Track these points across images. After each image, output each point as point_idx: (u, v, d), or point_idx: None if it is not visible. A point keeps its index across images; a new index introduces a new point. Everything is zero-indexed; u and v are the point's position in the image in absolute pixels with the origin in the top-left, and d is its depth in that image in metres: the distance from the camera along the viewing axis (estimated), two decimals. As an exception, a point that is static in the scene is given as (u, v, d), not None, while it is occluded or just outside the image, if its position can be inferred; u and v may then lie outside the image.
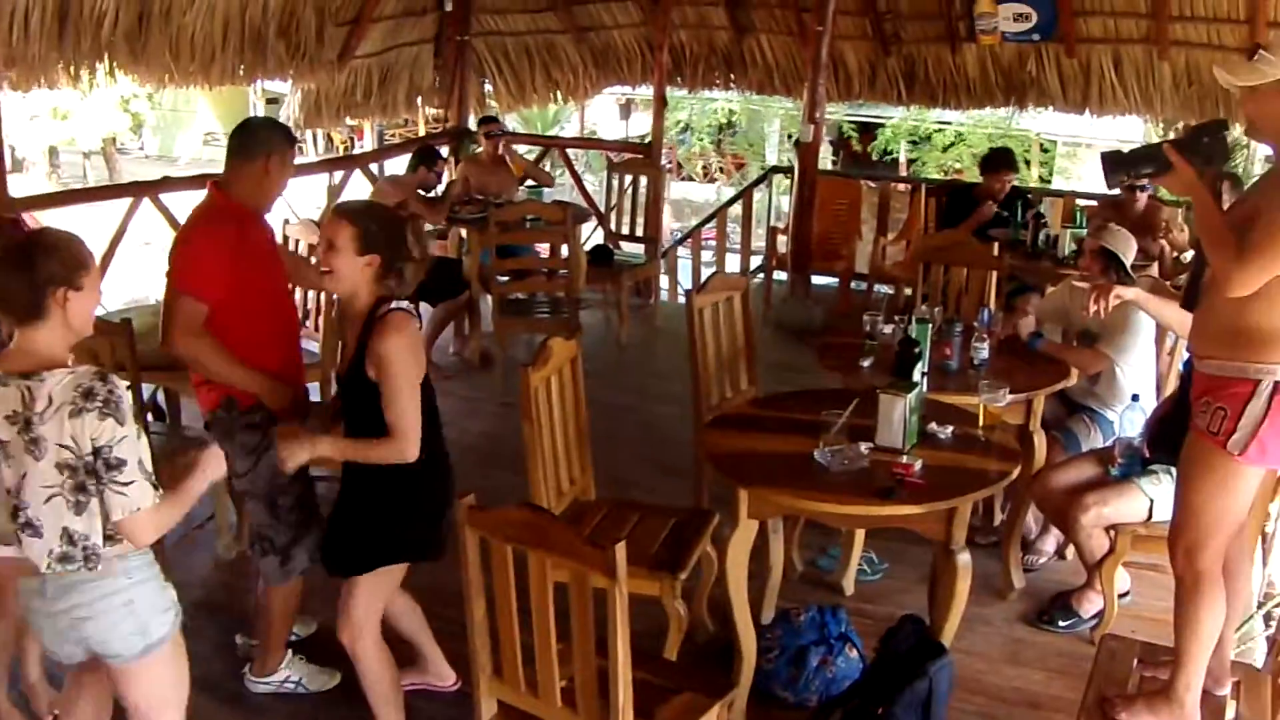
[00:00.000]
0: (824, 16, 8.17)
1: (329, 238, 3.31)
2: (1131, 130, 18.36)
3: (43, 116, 20.82)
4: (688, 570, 3.80)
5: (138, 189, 7.34)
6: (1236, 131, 6.83)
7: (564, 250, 7.09)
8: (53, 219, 5.96)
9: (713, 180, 25.39)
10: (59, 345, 2.67)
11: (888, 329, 4.74)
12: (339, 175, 8.87)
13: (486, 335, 7.45)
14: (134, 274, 9.10)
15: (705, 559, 4.03)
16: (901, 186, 9.99)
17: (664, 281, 9.54)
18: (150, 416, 5.55)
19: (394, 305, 3.30)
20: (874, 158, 22.54)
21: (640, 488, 5.34)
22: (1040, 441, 4.56)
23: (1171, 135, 18.22)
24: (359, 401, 3.35)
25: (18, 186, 4.06)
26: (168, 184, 7.47)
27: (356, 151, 21.42)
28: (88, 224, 4.73)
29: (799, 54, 9.19)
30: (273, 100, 27.18)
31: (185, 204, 6.33)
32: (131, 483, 2.62)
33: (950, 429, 3.81)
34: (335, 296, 3.94)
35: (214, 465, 2.88)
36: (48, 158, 24.46)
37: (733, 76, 9.98)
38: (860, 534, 4.60)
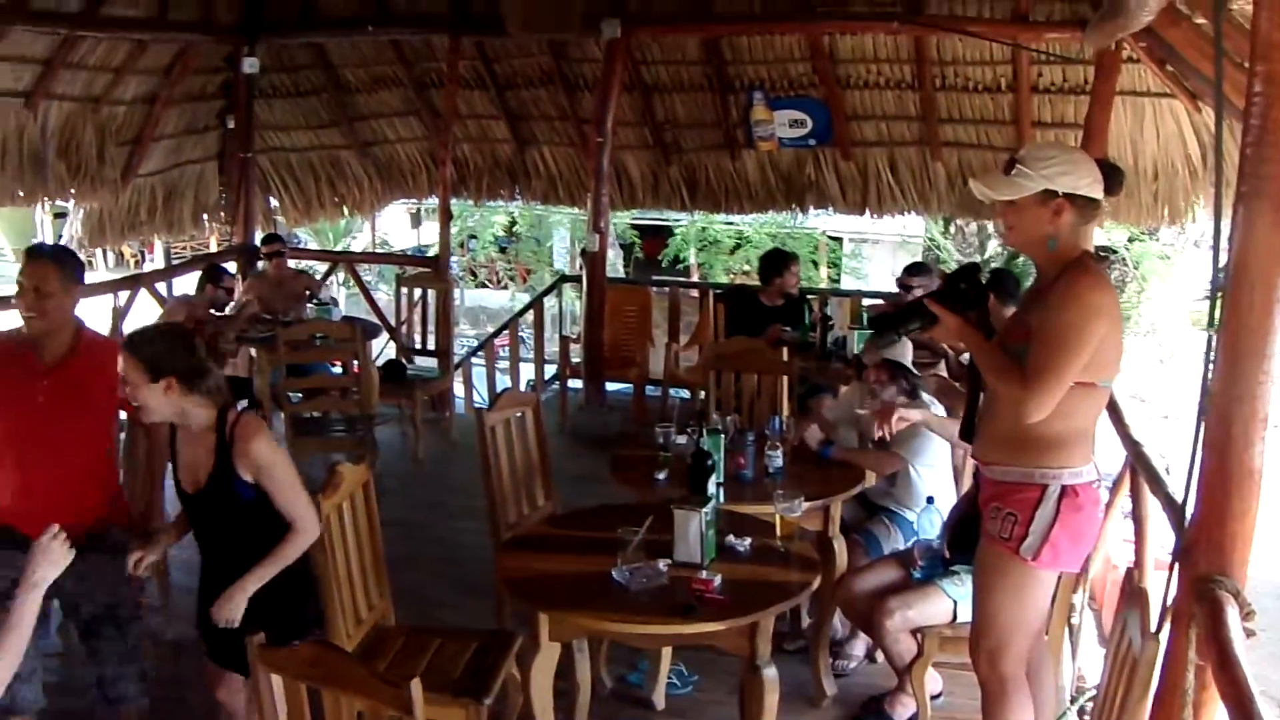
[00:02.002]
0: (604, 128, 8.33)
1: (124, 376, 3.31)
2: (914, 225, 19.27)
3: None
4: (493, 695, 3.70)
5: None
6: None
7: (355, 367, 6.95)
8: None
9: (505, 287, 25.44)
10: None
11: (681, 440, 4.75)
12: (124, 296, 8.52)
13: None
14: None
15: (511, 681, 3.93)
16: (692, 292, 10.15)
17: (460, 392, 9.43)
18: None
19: (240, 409, 3.36)
20: (663, 264, 22.97)
21: (443, 607, 5.24)
22: (840, 546, 4.61)
23: (950, 238, 19.36)
24: (223, 512, 3.40)
25: None
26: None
27: (146, 268, 20.79)
28: None
29: (582, 164, 9.34)
30: (60, 214, 26.09)
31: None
32: None
33: (749, 541, 3.83)
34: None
35: (30, 600, 2.66)
36: None
37: (517, 187, 10.10)
38: (667, 649, 4.56)
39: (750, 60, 8.50)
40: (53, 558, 2.69)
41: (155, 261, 24.05)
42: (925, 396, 4.80)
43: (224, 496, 3.37)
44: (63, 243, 8.80)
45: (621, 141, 8.90)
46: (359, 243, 24.21)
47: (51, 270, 3.71)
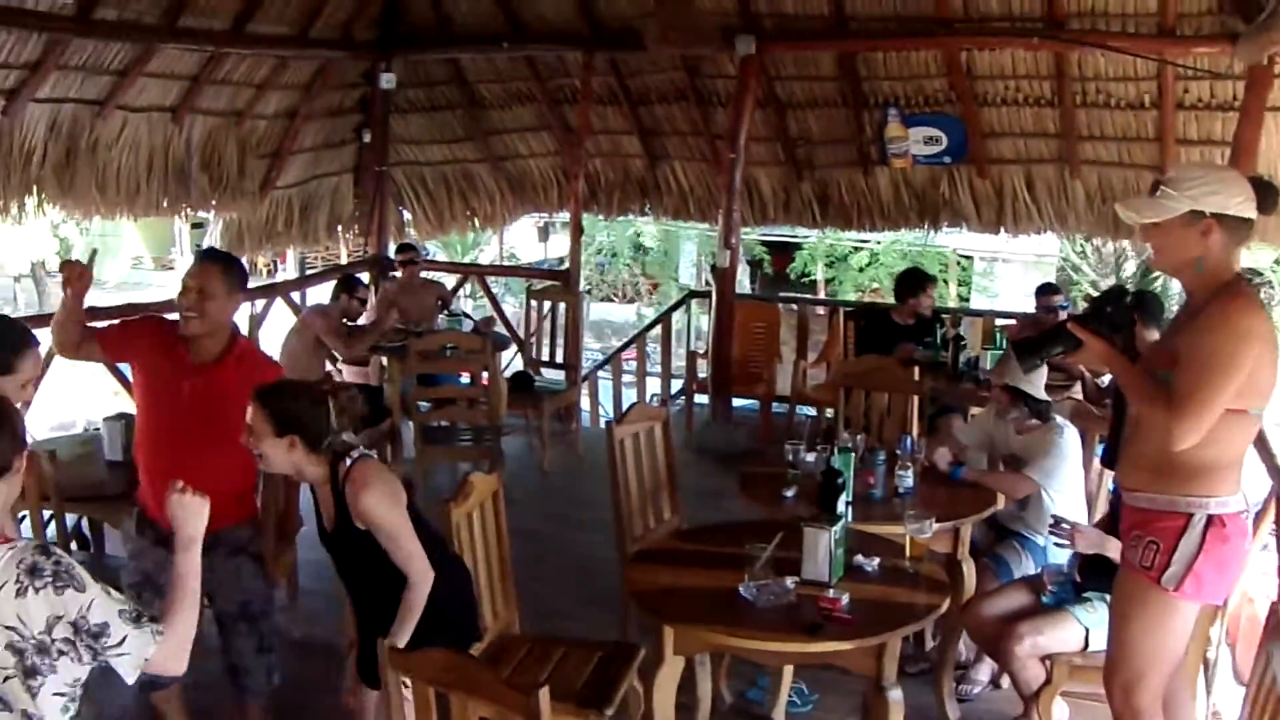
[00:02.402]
0: (737, 144, 8.31)
1: (250, 425, 3.37)
2: (1048, 244, 18.83)
3: (-29, 243, 20.66)
4: (614, 706, 3.72)
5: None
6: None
7: (485, 378, 7.05)
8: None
9: (632, 301, 25.58)
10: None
11: (810, 458, 4.71)
12: (260, 304, 8.81)
13: (408, 463, 7.35)
14: (61, 401, 8.96)
15: (633, 694, 3.93)
16: (820, 309, 10.07)
17: (585, 405, 9.50)
18: (75, 545, 5.49)
19: (350, 460, 3.37)
20: (791, 279, 22.86)
21: (566, 618, 5.26)
22: (969, 569, 4.54)
23: (1086, 258, 18.90)
24: (354, 553, 3.45)
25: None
26: (93, 314, 7.39)
27: (280, 278, 21.41)
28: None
29: (713, 180, 9.33)
30: (198, 225, 27.12)
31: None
32: (124, 639, 2.41)
33: (877, 561, 3.78)
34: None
35: (190, 564, 2.68)
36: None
37: (648, 203, 10.10)
38: (789, 667, 4.52)
39: (885, 76, 8.40)
40: (191, 509, 2.72)
41: (287, 271, 24.79)
42: (1058, 419, 4.70)
43: (350, 541, 3.43)
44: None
45: (753, 157, 8.86)
46: (486, 256, 24.61)
47: (216, 273, 3.84)
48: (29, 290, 24.70)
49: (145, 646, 2.44)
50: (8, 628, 2.34)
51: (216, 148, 8.66)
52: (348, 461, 3.37)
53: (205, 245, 9.55)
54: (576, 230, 9.31)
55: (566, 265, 9.22)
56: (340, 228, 10.44)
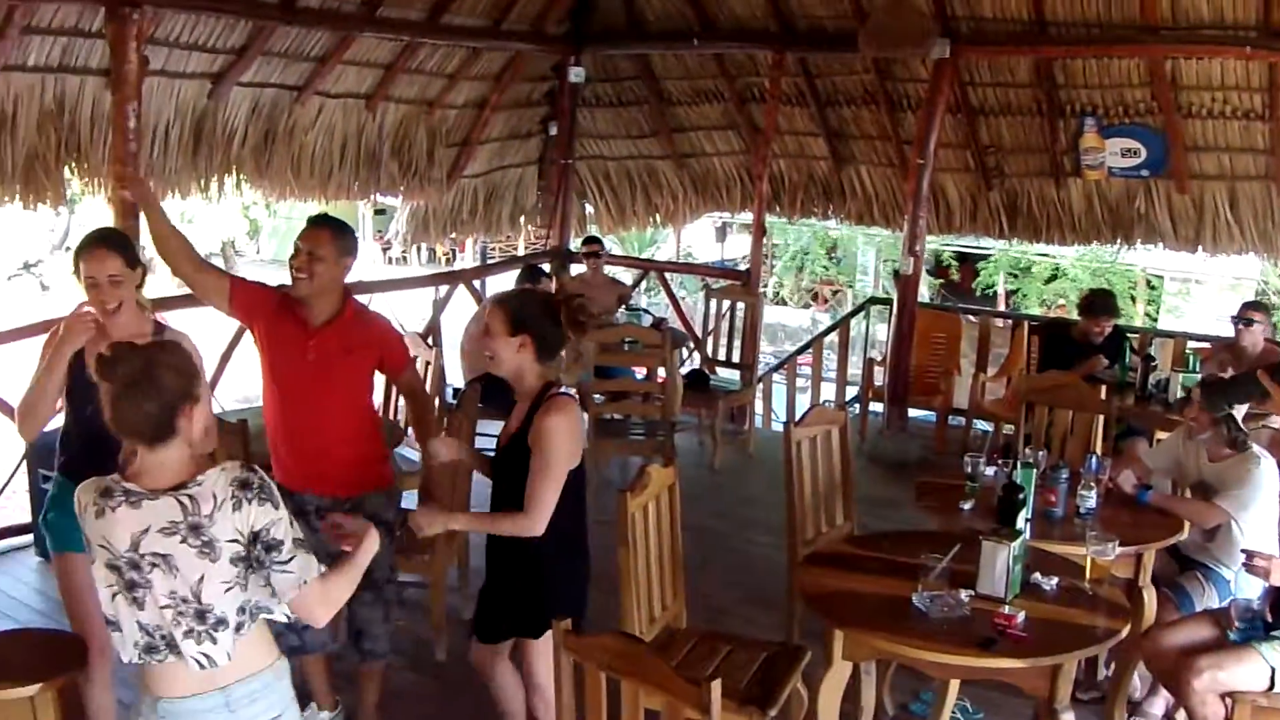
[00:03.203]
0: (926, 150, 8.20)
1: (487, 324, 3.56)
2: (1248, 267, 17.94)
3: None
4: (777, 707, 3.72)
5: None
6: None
7: (661, 374, 7.11)
8: (180, 318, 6.17)
9: (807, 306, 25.41)
10: (187, 458, 2.66)
11: (990, 471, 4.63)
12: (444, 289, 9.08)
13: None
14: (245, 375, 9.36)
15: (795, 696, 3.93)
16: (1000, 322, 9.85)
17: (759, 407, 9.50)
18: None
19: (562, 390, 3.55)
20: (976, 293, 22.36)
21: (730, 616, 5.28)
22: (1150, 598, 4.39)
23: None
24: (511, 471, 3.56)
25: (150, 287, 4.39)
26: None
27: (458, 266, 21.97)
28: (205, 324, 4.91)
29: (899, 185, 9.21)
30: (380, 211, 28.09)
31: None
32: (292, 558, 2.63)
33: (1055, 580, 3.70)
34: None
35: (372, 541, 2.86)
36: (171, 259, 25.48)
37: (831, 206, 10.00)
38: (955, 681, 4.45)
39: (1084, 84, 8.16)
40: (368, 546, 2.86)
41: (466, 260, 25.36)
42: (1256, 448, 4.51)
43: (515, 455, 3.55)
44: (388, 237, 9.41)
45: (942, 164, 8.70)
46: (663, 253, 24.75)
47: (326, 237, 3.96)
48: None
49: (307, 570, 2.65)
50: (231, 541, 2.58)
51: (407, 135, 8.95)
52: (559, 389, 3.54)
53: (390, 230, 9.85)
54: (759, 231, 9.31)
55: (747, 265, 9.21)
56: (523, 218, 10.67)
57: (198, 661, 2.60)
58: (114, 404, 2.57)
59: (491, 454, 3.87)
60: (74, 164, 6.74)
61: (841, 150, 9.57)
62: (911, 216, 8.34)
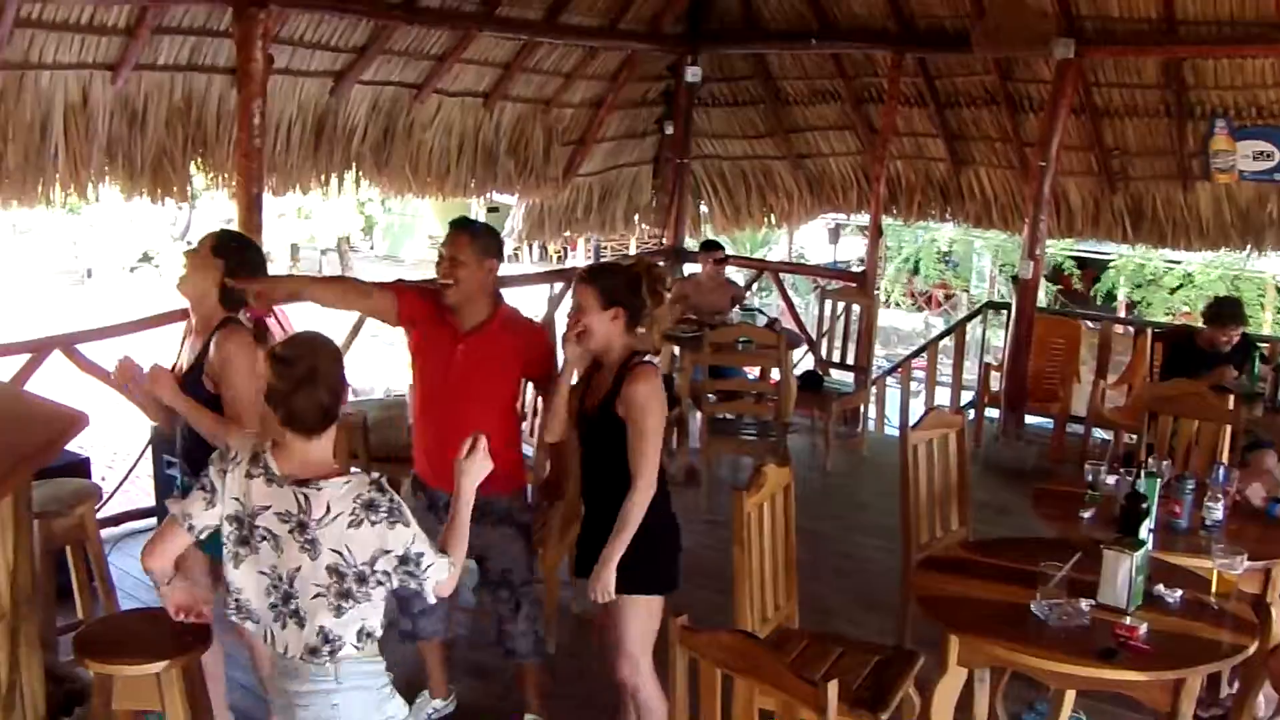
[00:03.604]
0: (1048, 152, 8.03)
1: (578, 301, 3.63)
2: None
3: (289, 215, 22.29)
4: (889, 712, 3.69)
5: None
6: None
7: (774, 374, 7.09)
8: (297, 314, 6.34)
9: (920, 309, 25.07)
10: (330, 450, 2.82)
11: (1111, 480, 4.55)
12: (559, 286, 9.18)
13: (693, 452, 7.49)
14: (364, 367, 9.57)
15: (906, 702, 3.90)
16: (1122, 328, 9.62)
17: (870, 411, 9.41)
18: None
19: (646, 359, 3.61)
20: (1098, 301, 21.79)
21: (839, 619, 5.26)
22: (1279, 615, 4.26)
23: None
24: (601, 435, 3.66)
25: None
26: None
27: (569, 264, 22.14)
28: (323, 319, 5.01)
29: (1019, 188, 9.05)
30: (493, 209, 28.41)
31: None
32: (432, 564, 2.80)
33: (1179, 593, 3.62)
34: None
35: (468, 492, 3.00)
36: (290, 253, 26.10)
37: (949, 208, 9.86)
38: (1071, 693, 4.37)
39: (1215, 85, 7.93)
40: (469, 469, 3.00)
41: (577, 258, 25.51)
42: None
43: (602, 422, 3.63)
44: (502, 235, 9.48)
45: (1064, 166, 8.53)
46: (775, 254, 24.61)
47: (465, 241, 3.99)
48: (333, 264, 26.28)
49: (442, 570, 2.84)
50: (333, 550, 2.73)
51: (524, 133, 9.04)
52: (643, 358, 3.61)
53: (506, 228, 9.95)
54: (875, 233, 9.23)
55: (862, 267, 9.13)
56: (637, 217, 10.70)
57: (267, 633, 2.82)
58: (288, 397, 2.73)
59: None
60: (199, 160, 6.92)
61: (960, 152, 9.44)
62: (1032, 220, 8.18)
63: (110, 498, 6.28)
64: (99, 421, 3.86)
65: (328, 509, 2.71)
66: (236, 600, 2.84)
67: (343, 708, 2.84)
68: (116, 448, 8.88)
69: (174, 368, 3.89)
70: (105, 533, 5.38)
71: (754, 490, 3.80)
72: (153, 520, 6.37)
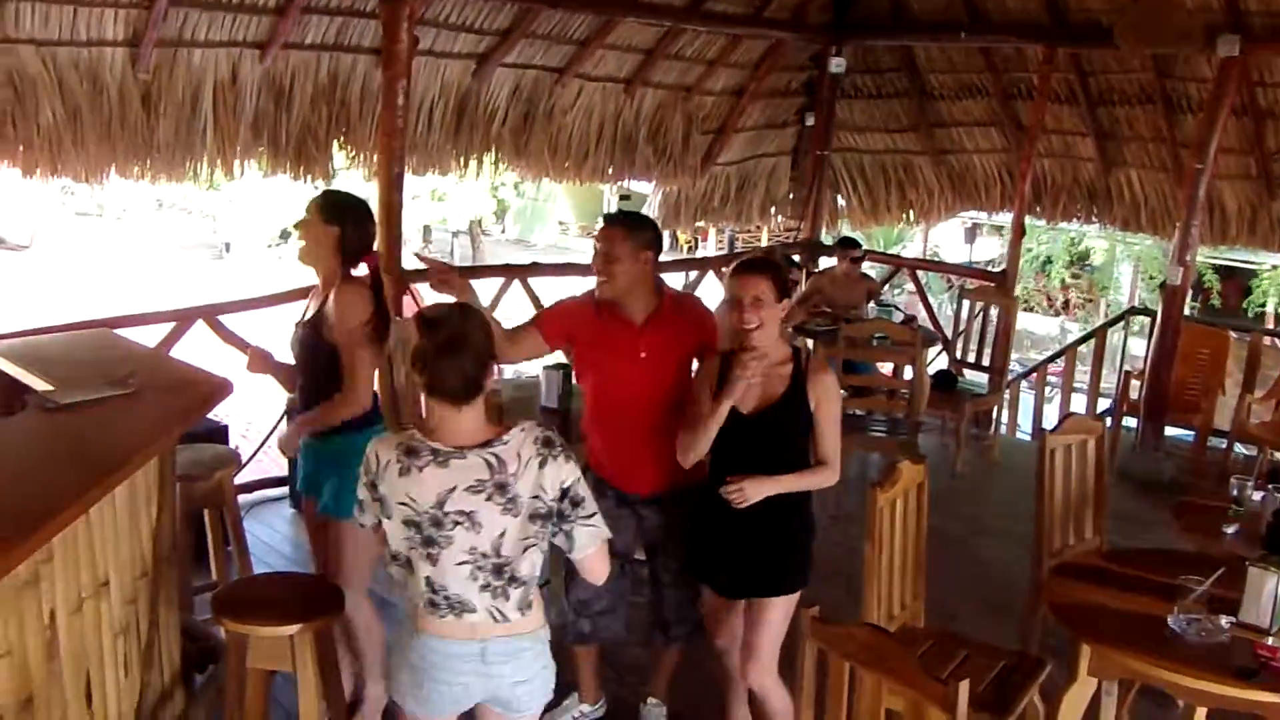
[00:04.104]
0: (1205, 154, 7.75)
1: (756, 296, 3.57)
2: None
3: (422, 197, 22.63)
4: (1013, 717, 3.62)
5: (510, 270, 7.99)
6: None
7: (908, 372, 6.99)
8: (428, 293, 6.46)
9: (1057, 314, 24.51)
10: (482, 421, 2.79)
11: (1258, 496, 4.41)
12: (693, 275, 9.20)
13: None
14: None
15: (1030, 709, 3.82)
16: (1271, 341, 9.26)
17: (1004, 413, 9.24)
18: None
19: (805, 351, 3.66)
20: (1248, 313, 20.98)
21: (963, 622, 5.16)
22: None
23: None
24: (760, 439, 3.63)
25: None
26: (536, 269, 8.02)
27: (699, 254, 22.13)
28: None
29: (1171, 191, 8.77)
30: (625, 197, 28.46)
31: (549, 287, 6.77)
32: (594, 514, 2.81)
33: (1328, 616, 3.48)
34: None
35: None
36: (422, 235, 26.57)
37: (1095, 210, 9.60)
38: (1204, 710, 4.24)
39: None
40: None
41: (708, 248, 25.47)
42: None
43: (794, 416, 3.61)
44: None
45: (1221, 170, 8.19)
46: (909, 252, 24.31)
47: (619, 235, 3.90)
48: (465, 246, 26.71)
49: (604, 529, 2.85)
50: (534, 498, 2.74)
51: (664, 120, 9.05)
52: (806, 348, 3.64)
53: (645, 213, 9.97)
54: (1018, 232, 9.01)
55: (1000, 267, 8.95)
56: (774, 209, 10.62)
57: (491, 614, 2.77)
58: (433, 364, 2.71)
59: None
60: (342, 138, 7.05)
61: (1111, 152, 9.19)
62: (1184, 224, 7.91)
63: (245, 465, 6.47)
64: (235, 392, 3.99)
65: (518, 458, 2.71)
66: (445, 598, 2.77)
67: (549, 664, 2.92)
68: (251, 418, 9.14)
69: (298, 323, 4.03)
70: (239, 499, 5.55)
71: (888, 486, 3.76)
72: (284, 490, 6.57)
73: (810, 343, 7.75)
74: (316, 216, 3.88)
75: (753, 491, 3.53)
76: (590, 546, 2.81)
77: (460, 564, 2.73)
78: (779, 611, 3.67)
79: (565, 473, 2.75)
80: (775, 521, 3.64)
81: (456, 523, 2.71)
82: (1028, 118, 9.06)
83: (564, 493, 2.75)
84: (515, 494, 2.70)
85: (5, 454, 3.15)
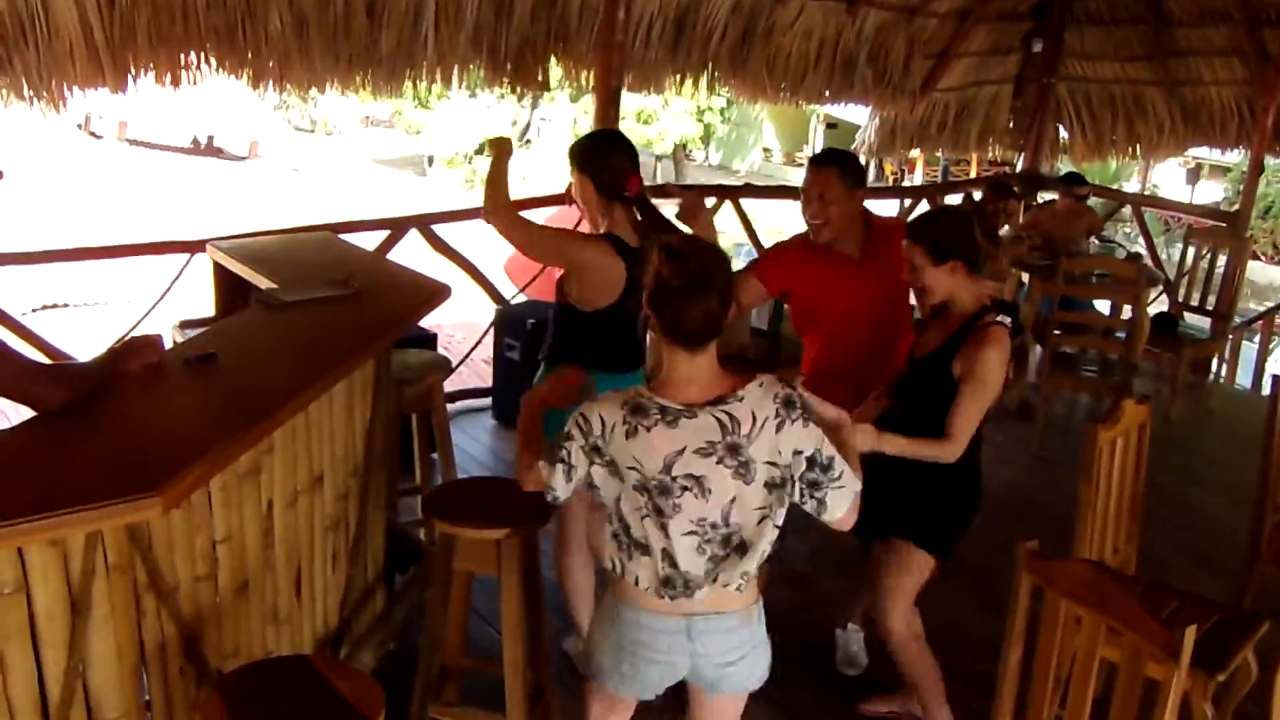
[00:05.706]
0: None
1: (909, 260, 3.43)
2: None
3: (629, 119, 22.71)
4: (1227, 673, 3.49)
5: (722, 191, 8.03)
6: None
7: (1127, 311, 6.73)
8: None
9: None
10: (716, 366, 2.54)
11: None
12: (909, 202, 9.03)
13: (1029, 386, 7.26)
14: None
15: (1243, 667, 3.68)
16: None
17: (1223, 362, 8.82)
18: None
19: (998, 319, 3.36)
20: None
21: (1171, 573, 5.02)
22: None
23: None
24: (926, 387, 3.45)
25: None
26: (748, 190, 7.98)
27: (906, 184, 21.65)
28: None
29: None
30: (832, 125, 28.03)
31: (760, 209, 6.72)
32: (843, 474, 2.53)
33: None
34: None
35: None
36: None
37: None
38: None
39: None
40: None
41: (914, 179, 24.82)
42: None
43: (931, 373, 3.42)
44: (853, 148, 9.26)
45: None
46: (1127, 190, 23.26)
47: (834, 176, 3.86)
48: (668, 172, 26.57)
49: (854, 482, 2.56)
50: (768, 463, 2.49)
51: (885, 43, 8.73)
52: (995, 318, 3.36)
53: (857, 141, 9.77)
54: (1255, 170, 8.53)
55: (1236, 207, 8.48)
56: (991, 139, 10.28)
57: (708, 589, 2.56)
58: (679, 297, 2.45)
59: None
60: (559, 53, 6.99)
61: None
62: None
63: (451, 373, 6.68)
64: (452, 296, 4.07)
65: (753, 418, 2.45)
66: (680, 575, 2.53)
67: (766, 641, 2.71)
68: (457, 328, 9.38)
69: None
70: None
71: (1110, 424, 3.64)
72: (487, 400, 6.72)
73: (1025, 278, 7.52)
74: (572, 170, 3.83)
75: (860, 440, 3.14)
76: (845, 503, 2.55)
77: (687, 534, 2.50)
78: (909, 559, 3.51)
79: (804, 439, 2.49)
80: (919, 473, 3.43)
81: (685, 488, 2.46)
82: (1275, 47, 8.47)
83: (810, 461, 2.49)
84: (748, 458, 2.45)
85: (230, 349, 3.24)
